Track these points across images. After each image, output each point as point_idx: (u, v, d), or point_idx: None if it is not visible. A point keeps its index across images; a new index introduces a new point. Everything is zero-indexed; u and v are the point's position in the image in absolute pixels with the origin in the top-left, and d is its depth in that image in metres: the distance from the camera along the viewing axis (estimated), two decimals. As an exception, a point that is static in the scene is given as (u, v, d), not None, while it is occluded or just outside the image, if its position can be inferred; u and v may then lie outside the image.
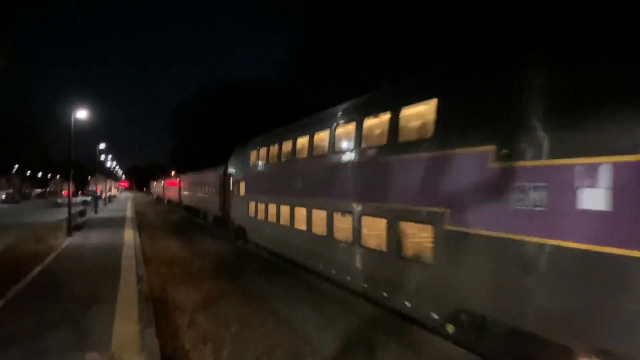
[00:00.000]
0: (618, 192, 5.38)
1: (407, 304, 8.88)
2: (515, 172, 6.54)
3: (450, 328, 7.84)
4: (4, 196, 76.92)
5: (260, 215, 18.10)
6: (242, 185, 21.38)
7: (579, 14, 8.88)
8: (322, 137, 13.22)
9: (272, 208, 16.67)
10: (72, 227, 24.91)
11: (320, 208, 12.67)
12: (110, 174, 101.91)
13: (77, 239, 22.78)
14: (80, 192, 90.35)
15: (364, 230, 10.78)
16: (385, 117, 9.96)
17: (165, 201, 70.23)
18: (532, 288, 6.24)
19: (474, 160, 7.24)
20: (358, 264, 10.87)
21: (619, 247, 5.32)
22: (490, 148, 6.93)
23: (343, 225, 11.78)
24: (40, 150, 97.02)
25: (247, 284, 13.88)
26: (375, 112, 10.56)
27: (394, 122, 9.54)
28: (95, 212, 43.90)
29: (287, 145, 15.57)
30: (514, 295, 6.51)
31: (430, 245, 8.30)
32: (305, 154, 14.00)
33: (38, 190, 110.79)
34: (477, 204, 7.17)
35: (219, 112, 68.13)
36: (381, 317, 9.99)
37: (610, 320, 5.44)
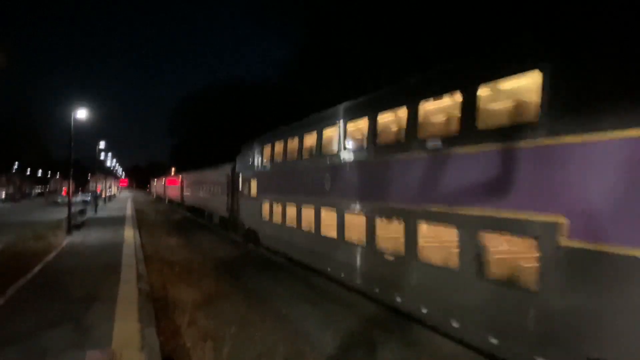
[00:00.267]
0: None
1: (495, 341, 6.90)
2: None
3: None
4: (4, 195, 76.98)
5: (277, 218, 16.31)
6: (254, 185, 19.54)
7: None
8: (359, 127, 11.56)
9: (292, 210, 14.88)
10: (72, 226, 24.93)
11: (358, 212, 10.83)
12: (110, 173, 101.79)
13: (77, 237, 22.80)
14: (80, 190, 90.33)
15: (424, 242, 8.92)
16: (453, 99, 8.11)
17: (166, 200, 69.05)
18: None
19: (619, 149, 5.32)
20: (414, 282, 8.84)
21: None
22: None
23: (387, 233, 10.21)
24: (41, 149, 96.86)
25: (248, 282, 13.91)
26: (435, 94, 8.54)
27: (469, 104, 7.50)
28: (95, 211, 43.90)
29: (310, 138, 13.74)
30: None
31: (533, 265, 6.57)
32: (335, 148, 12.21)
33: (38, 189, 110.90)
34: (624, 211, 5.24)
35: (219, 112, 68.17)
36: (381, 316, 10.02)
37: None
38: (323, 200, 12.62)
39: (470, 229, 7.33)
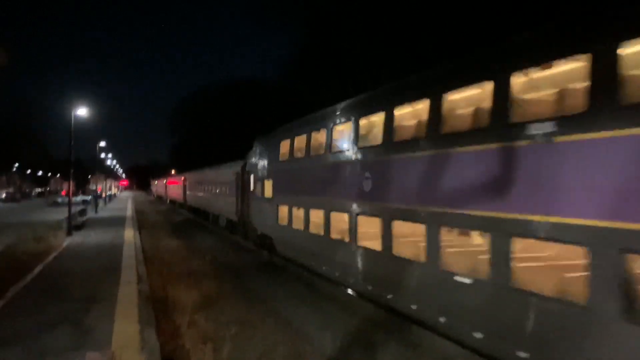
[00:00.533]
0: None
1: None
2: None
3: None
4: (4, 195, 77.02)
5: (298, 224, 13.95)
6: (269, 185, 17.10)
7: None
8: (417, 112, 9.55)
9: (318, 216, 12.70)
10: (73, 226, 24.94)
11: (412, 219, 8.71)
12: (110, 173, 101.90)
13: (77, 238, 22.79)
14: (80, 192, 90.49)
15: (513, 260, 6.45)
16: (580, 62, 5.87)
17: (168, 201, 67.37)
18: None
19: None
20: (505, 315, 6.44)
21: None
22: None
23: (455, 248, 8.47)
24: (41, 149, 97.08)
25: (248, 283, 13.90)
26: (538, 61, 6.33)
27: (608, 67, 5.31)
28: (96, 211, 43.92)
29: (343, 130, 11.84)
30: None
31: None
32: (379, 139, 10.03)
33: (38, 190, 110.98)
34: None
35: (219, 112, 68.21)
36: (381, 317, 10.01)
37: None
38: (361, 206, 10.41)
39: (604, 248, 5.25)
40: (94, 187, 62.69)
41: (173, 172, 78.61)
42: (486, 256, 6.78)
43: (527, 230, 6.11)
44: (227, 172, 26.77)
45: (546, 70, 6.55)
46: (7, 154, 77.48)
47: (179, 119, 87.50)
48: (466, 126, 8.26)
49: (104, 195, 69.78)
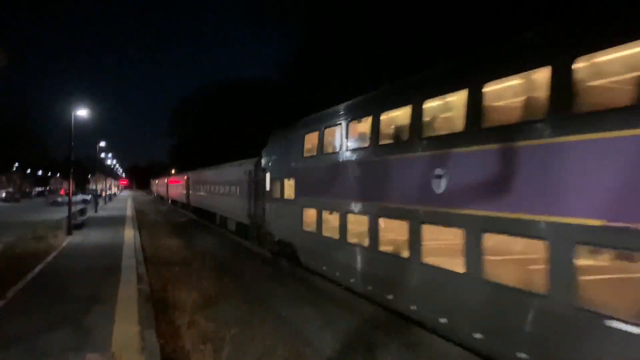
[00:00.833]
0: None
1: None
2: None
3: None
4: (4, 194, 77.04)
5: (331, 232, 12.11)
6: (290, 185, 15.13)
7: None
8: (504, 92, 7.48)
9: (359, 223, 10.87)
10: (72, 226, 24.94)
11: (493, 230, 6.87)
12: (110, 172, 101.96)
13: (77, 238, 22.79)
14: (80, 192, 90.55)
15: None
16: None
17: (169, 201, 65.50)
18: None
19: None
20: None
21: None
22: None
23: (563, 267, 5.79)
24: (41, 149, 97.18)
25: (248, 284, 13.90)
26: None
27: None
28: (96, 210, 43.92)
29: (399, 116, 9.99)
30: None
31: None
32: (460, 125, 7.78)
33: (38, 189, 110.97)
34: None
35: (219, 112, 68.21)
36: (381, 318, 10.02)
37: None
38: (429, 211, 8.27)
39: None
40: (93, 187, 62.74)
41: (173, 171, 78.53)
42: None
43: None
44: (238, 171, 24.45)
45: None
46: (7, 153, 77.49)
47: (179, 119, 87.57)
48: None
49: (104, 194, 69.81)
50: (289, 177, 15.38)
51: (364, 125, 10.90)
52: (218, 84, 78.86)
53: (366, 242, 10.33)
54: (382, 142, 10.11)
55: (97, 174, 66.41)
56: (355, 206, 10.86)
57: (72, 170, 29.26)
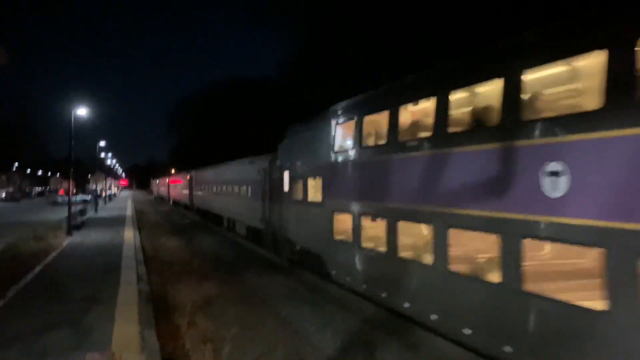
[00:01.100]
0: None
1: None
2: None
3: None
4: (4, 194, 77.06)
5: (375, 242, 10.32)
6: (316, 186, 13.34)
7: None
8: None
9: (418, 234, 9.55)
10: (72, 226, 24.94)
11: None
12: (110, 172, 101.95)
13: (77, 238, 22.79)
14: (79, 191, 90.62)
15: None
16: None
17: (171, 202, 63.42)
18: None
19: None
20: None
21: None
22: None
23: None
24: (41, 149, 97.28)
25: (248, 283, 13.89)
26: None
27: None
28: (96, 211, 43.92)
29: (465, 98, 8.29)
30: None
31: None
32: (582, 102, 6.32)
33: (38, 189, 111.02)
34: None
35: (219, 111, 68.20)
36: (381, 317, 10.01)
37: None
38: (539, 221, 6.06)
39: None
40: (93, 187, 62.72)
41: (173, 171, 78.44)
42: None
43: None
44: (249, 169, 22.13)
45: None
46: (7, 153, 77.51)
47: (179, 119, 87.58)
48: None
49: (103, 194, 69.81)
50: (314, 176, 13.44)
51: (426, 109, 8.79)
52: (218, 84, 78.86)
53: (431, 260, 8.05)
54: (452, 127, 7.72)
55: (97, 174, 66.43)
56: (415, 213, 8.64)
57: (72, 170, 29.29)
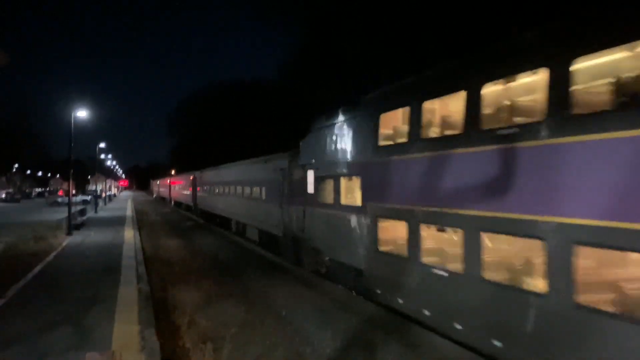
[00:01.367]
0: None
1: None
2: None
3: None
4: (4, 195, 77.07)
5: (437, 258, 8.80)
6: (352, 187, 11.86)
7: None
8: None
9: (507, 251, 7.81)
10: (72, 226, 24.95)
11: None
12: (110, 173, 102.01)
13: (77, 238, 22.79)
14: (80, 192, 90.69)
15: None
16: None
17: (172, 203, 61.46)
18: None
19: None
20: None
21: None
22: None
23: None
24: (41, 149, 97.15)
25: (247, 283, 13.89)
26: None
27: None
28: (95, 211, 43.93)
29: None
30: None
31: None
32: None
33: (38, 190, 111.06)
34: None
35: (219, 112, 68.22)
36: (381, 317, 10.01)
37: None
38: None
39: None
40: (93, 187, 62.73)
41: (173, 172, 78.36)
42: None
43: None
44: (264, 169, 20.07)
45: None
46: (7, 154, 77.51)
47: (179, 119, 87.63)
48: None
49: (103, 195, 69.83)
50: (349, 175, 11.71)
51: (537, 84, 6.71)
52: (218, 84, 79.02)
53: (546, 288, 6.06)
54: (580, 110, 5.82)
55: (96, 175, 66.44)
56: (514, 224, 6.62)
57: (71, 171, 29.29)
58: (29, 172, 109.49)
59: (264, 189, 20.16)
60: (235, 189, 25.95)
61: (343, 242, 11.91)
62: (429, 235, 9.11)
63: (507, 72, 7.07)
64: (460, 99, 7.82)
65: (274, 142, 39.28)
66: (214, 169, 34.80)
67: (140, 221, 34.54)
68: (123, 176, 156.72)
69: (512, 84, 7.36)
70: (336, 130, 12.41)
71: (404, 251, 9.30)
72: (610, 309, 5.62)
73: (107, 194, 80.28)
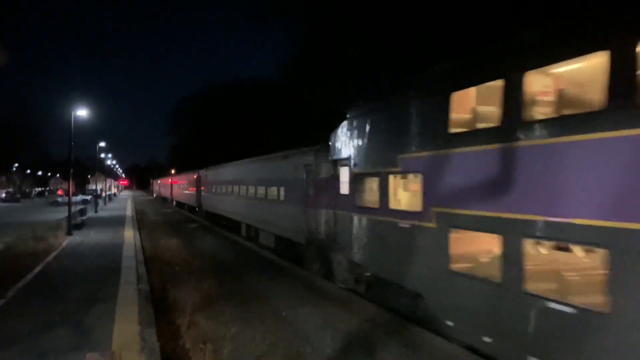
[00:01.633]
0: None
1: None
2: None
3: None
4: (4, 195, 77.06)
5: (550, 285, 6.52)
6: (407, 186, 10.11)
7: None
8: None
9: None
10: (72, 226, 24.95)
11: None
12: (110, 173, 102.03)
13: (77, 238, 22.80)
14: (79, 192, 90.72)
15: None
16: None
17: (174, 203, 59.77)
18: None
19: None
20: None
21: None
22: None
23: None
24: (41, 149, 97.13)
25: (247, 283, 13.89)
26: None
27: None
28: (95, 211, 43.94)
29: None
30: None
31: None
32: None
33: (38, 189, 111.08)
34: None
35: (219, 112, 68.18)
36: (381, 317, 10.01)
37: None
38: None
39: None
40: (93, 187, 62.70)
41: (173, 171, 78.30)
42: None
43: None
44: (283, 166, 17.92)
45: None
46: (7, 154, 77.49)
47: (179, 119, 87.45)
48: None
49: (103, 194, 69.84)
50: (402, 172, 9.60)
51: None
52: (218, 84, 78.99)
53: None
54: None
55: (96, 174, 66.43)
56: None
57: (71, 170, 29.28)
58: (29, 171, 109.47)
59: (282, 189, 18.00)
60: (247, 188, 23.63)
61: (392, 255, 9.70)
62: (540, 255, 7.21)
63: None
64: (597, 63, 5.62)
65: (274, 142, 39.25)
66: (221, 167, 32.11)
67: (141, 222, 34.48)
68: (123, 175, 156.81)
69: None
70: (382, 117, 10.31)
71: (495, 274, 6.91)
72: None
73: (107, 193, 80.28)
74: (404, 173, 9.67)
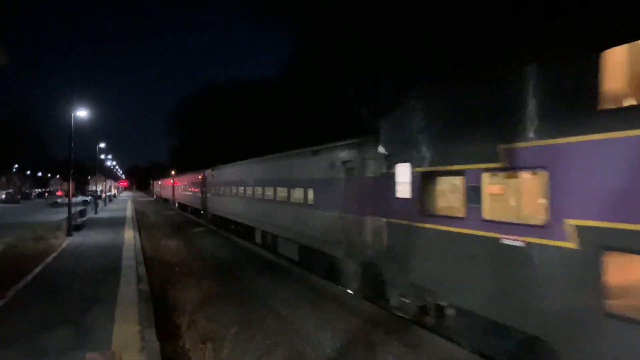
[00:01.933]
0: None
1: None
2: None
3: None
4: (4, 196, 77.08)
5: None
6: (510, 190, 7.47)
7: None
8: None
9: None
10: (72, 227, 24.93)
11: None
12: (110, 174, 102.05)
13: (77, 239, 22.78)
14: (79, 193, 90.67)
15: None
16: None
17: (176, 205, 57.32)
18: None
19: None
20: None
21: None
22: None
23: None
24: (41, 149, 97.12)
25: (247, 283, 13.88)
26: None
27: None
28: (95, 212, 43.93)
29: None
30: None
31: None
32: None
33: (38, 190, 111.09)
34: None
35: (219, 112, 68.18)
36: (381, 317, 10.00)
37: None
38: None
39: None
40: (93, 188, 62.69)
41: (173, 172, 78.16)
42: None
43: None
44: (312, 163, 14.98)
45: None
46: (7, 154, 77.50)
47: (178, 119, 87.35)
48: None
49: (103, 195, 69.84)
50: (509, 168, 6.92)
51: None
52: (218, 84, 78.86)
53: None
54: None
55: (97, 175, 66.42)
56: None
57: (71, 171, 29.28)
58: (28, 172, 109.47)
59: (311, 190, 14.90)
60: (263, 190, 20.49)
61: (487, 282, 7.13)
62: None
63: None
64: None
65: (274, 142, 39.22)
66: (230, 166, 28.73)
67: (141, 222, 34.46)
68: (123, 176, 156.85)
69: None
70: (472, 94, 8.01)
71: None
72: None
73: (107, 194, 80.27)
74: (510, 170, 6.95)
